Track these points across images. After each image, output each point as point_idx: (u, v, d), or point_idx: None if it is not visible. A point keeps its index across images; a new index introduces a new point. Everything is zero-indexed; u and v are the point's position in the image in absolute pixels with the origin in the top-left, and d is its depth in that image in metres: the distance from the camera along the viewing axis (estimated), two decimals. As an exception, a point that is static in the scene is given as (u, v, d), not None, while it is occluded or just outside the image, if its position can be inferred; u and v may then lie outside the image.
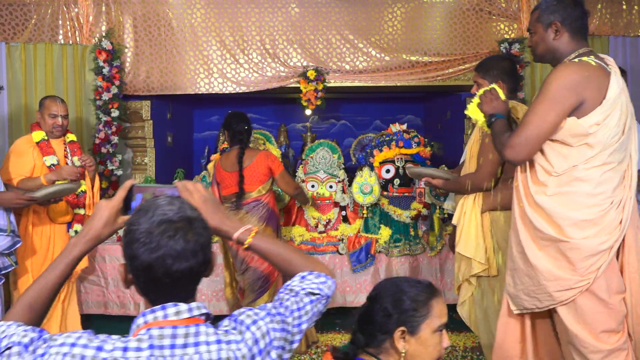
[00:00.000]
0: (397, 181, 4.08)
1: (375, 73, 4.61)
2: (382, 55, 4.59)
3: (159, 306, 1.00)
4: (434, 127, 5.80)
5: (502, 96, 2.06)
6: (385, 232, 3.92)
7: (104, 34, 4.37)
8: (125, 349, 0.95)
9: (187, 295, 1.04)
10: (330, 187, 4.04)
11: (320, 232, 3.94)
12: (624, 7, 4.63)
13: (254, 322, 1.06)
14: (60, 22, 4.40)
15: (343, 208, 4.13)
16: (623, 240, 1.87)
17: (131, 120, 4.61)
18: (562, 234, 1.83)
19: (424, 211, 4.00)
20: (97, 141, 4.30)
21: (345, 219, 4.12)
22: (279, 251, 1.26)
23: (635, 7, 4.65)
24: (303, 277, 1.21)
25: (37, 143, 3.23)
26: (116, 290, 3.79)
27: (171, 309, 1.00)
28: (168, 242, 0.99)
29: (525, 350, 2.05)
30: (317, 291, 1.18)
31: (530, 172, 1.91)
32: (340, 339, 3.67)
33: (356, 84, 4.64)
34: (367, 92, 5.43)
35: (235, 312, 1.10)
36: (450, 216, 3.98)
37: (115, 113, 4.32)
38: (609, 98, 1.77)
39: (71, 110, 4.38)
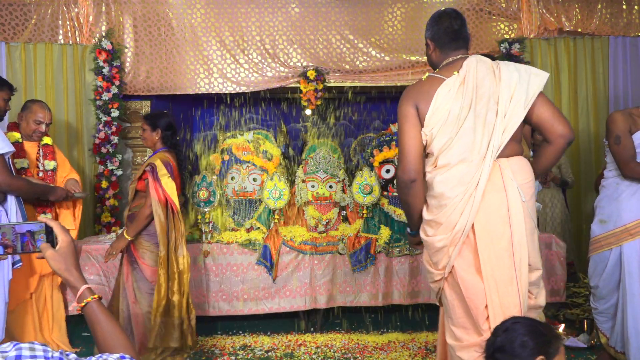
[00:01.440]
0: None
1: (375, 73, 4.61)
2: (382, 55, 4.59)
3: None
4: (434, 127, 5.79)
5: None
6: (385, 232, 3.92)
7: (104, 34, 4.37)
8: None
9: None
10: (330, 187, 4.04)
11: (320, 232, 3.94)
12: (624, 7, 4.63)
13: (34, 357, 0.87)
14: (60, 22, 4.41)
15: (343, 208, 4.13)
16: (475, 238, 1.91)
17: (131, 120, 4.61)
18: (423, 231, 2.06)
19: (424, 211, 4.00)
20: (97, 141, 4.30)
21: (345, 219, 4.12)
22: (111, 324, 1.20)
23: (635, 7, 4.65)
24: (123, 357, 1.10)
25: (12, 144, 3.22)
26: (116, 290, 3.79)
27: None
28: None
29: None
30: None
31: None
32: (341, 338, 3.67)
33: (356, 83, 4.64)
34: (367, 92, 5.44)
35: (32, 344, 0.92)
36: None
37: (115, 113, 4.33)
38: (430, 112, 1.96)
39: (71, 110, 4.39)
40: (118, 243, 3.04)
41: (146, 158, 4.65)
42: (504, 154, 1.94)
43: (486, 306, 1.89)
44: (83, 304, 1.19)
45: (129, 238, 2.99)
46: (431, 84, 2.01)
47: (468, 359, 1.93)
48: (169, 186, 2.99)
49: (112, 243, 3.10)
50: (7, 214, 2.77)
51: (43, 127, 3.28)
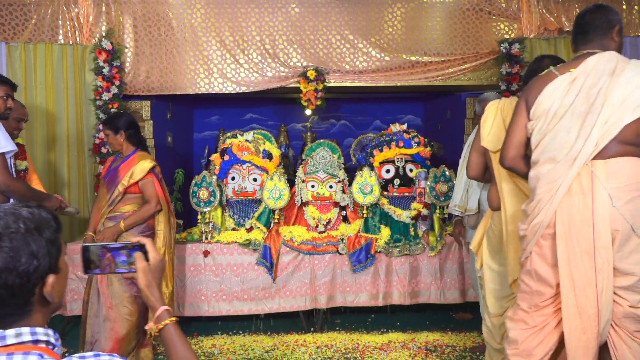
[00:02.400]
0: (397, 181, 4.08)
1: (375, 73, 4.61)
2: (382, 55, 4.59)
3: None
4: (434, 127, 5.80)
5: None
6: (385, 232, 3.92)
7: (104, 34, 4.37)
8: None
9: (4, 319, 0.96)
10: (330, 187, 4.04)
11: (320, 232, 3.94)
12: (624, 7, 4.63)
13: None
14: (60, 22, 4.41)
15: (343, 208, 4.13)
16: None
17: (131, 120, 4.61)
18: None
19: (424, 211, 4.00)
20: (97, 141, 4.30)
21: (345, 219, 4.12)
22: (186, 348, 1.19)
23: (635, 7, 4.65)
24: None
25: None
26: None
27: None
28: None
29: None
30: None
31: None
32: (341, 338, 3.67)
33: (356, 84, 4.64)
34: (367, 92, 5.43)
35: (112, 356, 0.99)
36: (450, 216, 3.97)
37: (115, 113, 4.33)
38: (534, 108, 2.01)
39: (71, 110, 4.39)
40: (112, 231, 3.00)
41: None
42: (604, 155, 1.88)
43: (549, 297, 1.97)
44: (161, 326, 1.18)
45: (124, 230, 3.00)
46: (545, 80, 2.03)
47: (510, 328, 2.06)
48: (165, 187, 3.15)
49: (105, 231, 3.01)
50: None
51: (23, 125, 3.23)
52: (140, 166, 3.06)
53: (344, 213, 4.13)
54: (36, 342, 0.95)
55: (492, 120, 2.42)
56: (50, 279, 1.00)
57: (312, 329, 3.87)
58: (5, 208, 0.99)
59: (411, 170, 4.12)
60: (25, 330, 0.94)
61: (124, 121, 3.13)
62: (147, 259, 1.23)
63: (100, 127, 3.24)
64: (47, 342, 0.97)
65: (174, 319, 1.20)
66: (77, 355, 0.95)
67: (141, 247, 1.23)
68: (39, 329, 0.96)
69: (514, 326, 2.05)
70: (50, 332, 0.98)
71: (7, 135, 2.69)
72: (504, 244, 2.38)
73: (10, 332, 0.93)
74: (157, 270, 1.23)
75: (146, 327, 1.22)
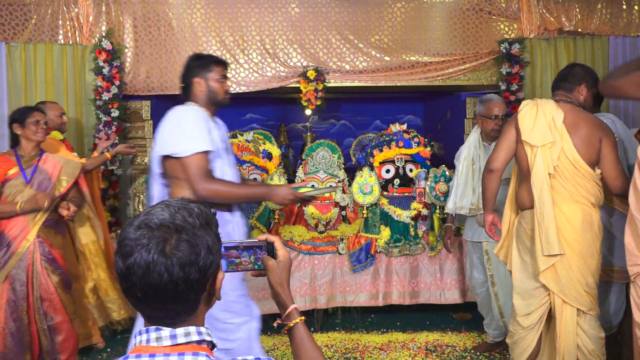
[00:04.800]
0: (397, 181, 4.08)
1: (375, 73, 4.61)
2: (382, 55, 4.59)
3: (144, 328, 0.93)
4: (434, 127, 5.80)
5: None
6: (385, 232, 3.92)
7: (104, 34, 4.37)
8: None
9: (176, 316, 0.93)
10: (330, 187, 4.04)
11: (320, 232, 3.94)
12: (624, 7, 4.63)
13: None
14: (60, 22, 4.40)
15: (343, 208, 4.13)
16: None
17: (131, 120, 4.61)
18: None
19: (424, 211, 4.00)
20: (97, 141, 4.30)
21: (345, 219, 4.12)
22: (315, 349, 1.17)
23: (635, 7, 4.65)
24: None
25: None
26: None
27: (153, 333, 0.91)
28: (140, 250, 0.90)
29: None
30: None
31: None
32: (341, 338, 3.67)
33: (356, 84, 4.64)
34: (367, 92, 5.44)
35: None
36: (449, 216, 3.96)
37: (115, 113, 4.33)
38: None
39: (71, 110, 4.39)
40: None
41: (146, 159, 4.64)
42: None
43: None
44: (292, 324, 1.18)
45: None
46: None
47: None
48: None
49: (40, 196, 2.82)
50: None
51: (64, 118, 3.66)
52: (72, 162, 3.09)
53: (344, 213, 4.13)
54: (200, 342, 0.94)
55: (535, 116, 2.44)
56: (220, 275, 0.99)
57: (312, 329, 3.88)
58: (175, 203, 0.97)
59: (411, 170, 4.12)
60: (192, 329, 0.93)
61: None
62: (274, 256, 1.23)
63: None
64: (210, 343, 0.96)
65: (303, 318, 1.19)
66: (240, 357, 0.95)
67: (269, 245, 1.24)
68: (203, 329, 0.95)
69: None
70: (210, 332, 0.97)
71: (204, 133, 2.29)
72: (535, 238, 2.42)
73: (180, 331, 0.92)
74: (285, 268, 1.23)
75: (274, 324, 1.21)
